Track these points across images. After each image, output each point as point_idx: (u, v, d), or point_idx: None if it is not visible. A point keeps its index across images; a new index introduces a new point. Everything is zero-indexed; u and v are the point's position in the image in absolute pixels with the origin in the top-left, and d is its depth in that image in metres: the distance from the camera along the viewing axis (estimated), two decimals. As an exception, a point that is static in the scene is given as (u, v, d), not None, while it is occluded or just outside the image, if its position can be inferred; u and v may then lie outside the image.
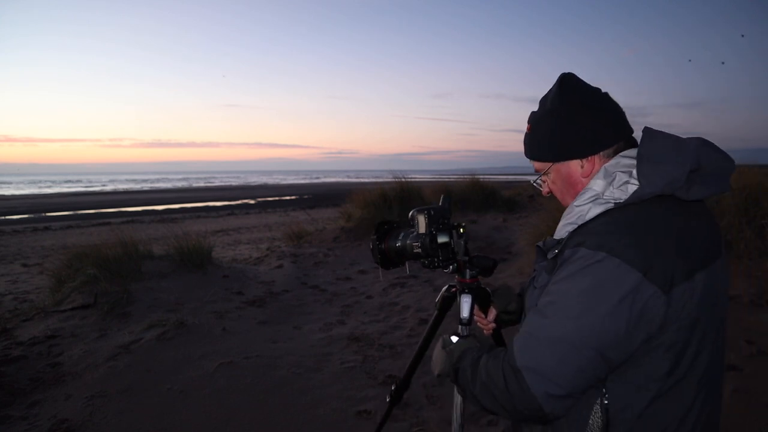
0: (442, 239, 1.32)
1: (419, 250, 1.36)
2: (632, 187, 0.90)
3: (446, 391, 2.92)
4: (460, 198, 9.56)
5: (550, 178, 1.08)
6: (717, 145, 0.93)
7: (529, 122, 1.08)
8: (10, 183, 64.50)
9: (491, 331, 1.42)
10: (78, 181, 72.35)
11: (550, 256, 0.96)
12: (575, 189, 1.02)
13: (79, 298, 4.63)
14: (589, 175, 0.99)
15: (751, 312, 3.54)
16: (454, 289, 1.46)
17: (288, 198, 31.05)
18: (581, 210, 0.95)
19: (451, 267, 1.35)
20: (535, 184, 1.14)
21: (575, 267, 0.86)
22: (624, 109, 1.03)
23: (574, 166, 1.01)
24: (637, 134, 0.98)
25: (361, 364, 3.41)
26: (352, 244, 7.67)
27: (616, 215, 0.90)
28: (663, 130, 0.95)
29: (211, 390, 3.07)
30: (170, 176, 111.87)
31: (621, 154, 0.97)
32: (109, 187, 50.17)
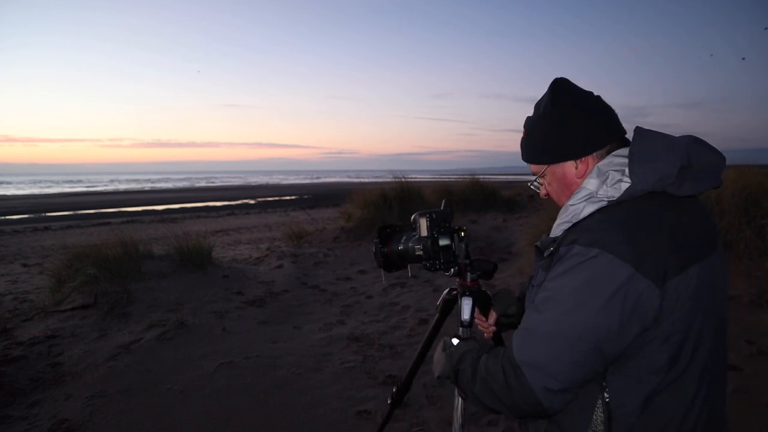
0: (443, 242, 1.35)
1: (421, 253, 1.39)
2: (625, 185, 0.92)
3: (446, 392, 2.92)
4: (460, 198, 9.57)
5: (546, 179, 1.10)
6: (709, 142, 0.95)
7: (524, 127, 1.11)
8: (10, 183, 64.49)
9: (492, 334, 1.43)
10: (78, 181, 72.34)
11: (546, 254, 0.98)
12: (570, 189, 1.04)
13: (79, 298, 4.63)
14: (584, 176, 1.01)
15: (751, 312, 3.54)
16: (455, 292, 1.48)
17: (288, 198, 31.05)
18: (576, 208, 0.97)
19: (452, 270, 1.37)
20: (532, 186, 1.17)
21: (570, 264, 0.89)
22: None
23: (569, 167, 1.04)
24: (631, 135, 0.99)
25: (361, 364, 3.41)
26: (352, 244, 7.68)
27: (609, 213, 0.92)
28: (654, 130, 0.97)
29: (211, 390, 3.07)
30: (170, 176, 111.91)
31: (613, 153, 1.00)
32: (110, 187, 50.19)
